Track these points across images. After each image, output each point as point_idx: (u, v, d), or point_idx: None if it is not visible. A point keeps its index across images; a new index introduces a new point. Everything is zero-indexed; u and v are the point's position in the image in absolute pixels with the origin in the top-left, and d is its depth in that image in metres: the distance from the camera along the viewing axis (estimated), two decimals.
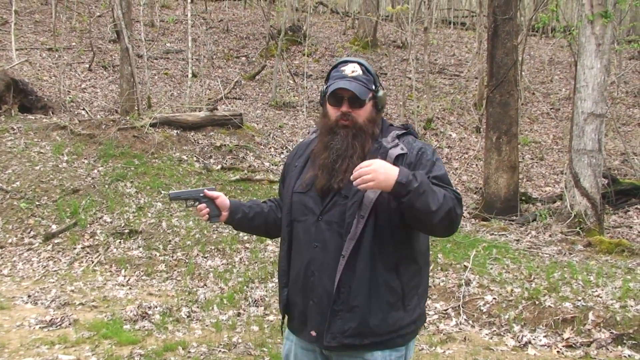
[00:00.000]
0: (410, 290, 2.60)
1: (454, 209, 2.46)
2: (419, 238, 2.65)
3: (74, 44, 18.11)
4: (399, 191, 2.36)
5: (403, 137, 2.67)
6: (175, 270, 8.13)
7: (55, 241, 8.82)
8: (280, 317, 2.92)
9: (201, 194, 2.86)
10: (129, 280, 7.90)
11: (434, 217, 2.41)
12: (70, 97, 14.21)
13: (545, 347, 5.67)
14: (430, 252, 7.79)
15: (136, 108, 13.20)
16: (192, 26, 16.42)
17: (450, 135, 14.72)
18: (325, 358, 2.70)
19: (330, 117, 2.68)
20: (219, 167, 11.42)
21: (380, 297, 2.54)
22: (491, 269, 7.16)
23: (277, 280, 2.80)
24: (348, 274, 2.52)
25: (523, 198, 10.76)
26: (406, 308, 2.59)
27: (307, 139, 2.90)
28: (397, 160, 2.55)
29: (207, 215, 2.85)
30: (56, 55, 16.68)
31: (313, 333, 2.62)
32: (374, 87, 2.68)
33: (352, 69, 2.67)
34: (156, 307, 6.74)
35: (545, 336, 5.81)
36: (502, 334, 6.00)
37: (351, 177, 2.40)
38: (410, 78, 15.74)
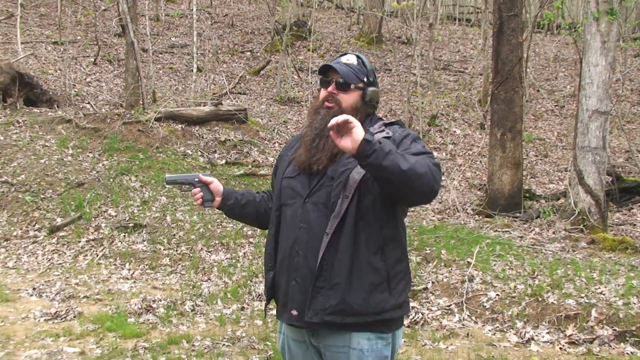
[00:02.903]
0: (397, 274, 2.65)
1: (430, 172, 2.43)
2: (401, 222, 2.73)
3: (79, 37, 18.12)
4: (365, 148, 2.32)
5: (390, 126, 2.75)
6: (179, 264, 8.16)
7: (60, 234, 8.85)
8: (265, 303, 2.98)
9: (196, 179, 2.94)
10: (133, 273, 7.94)
11: (407, 177, 2.37)
12: (75, 91, 14.23)
13: (548, 343, 5.68)
14: (434, 248, 7.80)
15: (141, 102, 13.21)
16: (197, 21, 16.44)
17: (455, 131, 14.72)
18: (315, 349, 2.74)
19: (319, 99, 2.80)
20: (224, 161, 11.45)
21: (362, 277, 2.57)
22: (494, 265, 7.17)
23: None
24: (331, 251, 2.57)
25: (527, 195, 10.77)
26: (392, 291, 2.62)
27: (301, 131, 2.96)
28: None
29: (200, 200, 2.92)
30: (61, 49, 16.70)
31: (294, 312, 2.66)
32: (365, 79, 2.76)
33: (347, 58, 2.79)
34: (160, 301, 6.77)
35: (548, 333, 5.82)
36: (505, 330, 6.01)
37: (332, 122, 2.35)
38: (414, 74, 15.74)
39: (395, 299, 2.64)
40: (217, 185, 2.94)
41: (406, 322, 6.18)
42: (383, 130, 2.69)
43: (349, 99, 2.73)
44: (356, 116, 2.67)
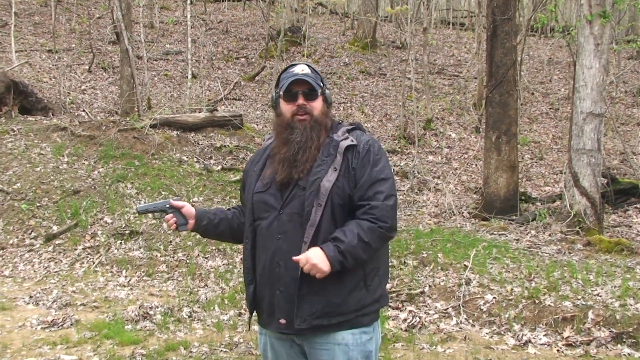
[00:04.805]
0: (371, 272, 2.76)
1: (382, 233, 2.68)
2: None
3: (73, 45, 18.12)
4: (338, 269, 2.60)
5: (352, 132, 2.86)
6: (176, 270, 8.16)
7: (56, 242, 8.84)
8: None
9: (167, 205, 2.97)
10: (130, 280, 7.93)
11: (371, 252, 2.69)
12: (70, 99, 14.22)
13: (546, 345, 5.69)
14: (431, 252, 7.78)
15: (136, 109, 13.22)
16: (191, 27, 16.45)
17: (450, 135, 14.74)
18: (299, 347, 2.81)
19: (286, 115, 2.85)
20: (219, 167, 11.44)
21: (342, 279, 2.68)
22: (491, 268, 7.18)
23: None
24: None
25: (523, 198, 10.77)
26: (368, 288, 2.75)
27: (264, 145, 3.05)
28: (348, 151, 2.75)
29: (174, 225, 2.96)
30: (56, 57, 16.70)
31: (282, 321, 2.74)
32: (321, 84, 2.88)
33: (301, 69, 2.87)
34: (157, 308, 6.76)
35: (545, 335, 5.83)
36: (502, 333, 6.02)
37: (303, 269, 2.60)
38: (409, 78, 15.76)
39: (372, 294, 2.76)
40: (189, 208, 2.98)
41: (404, 326, 6.19)
42: (347, 137, 2.80)
43: (317, 106, 2.84)
44: (326, 120, 2.86)
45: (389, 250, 2.93)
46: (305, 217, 2.68)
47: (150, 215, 3.08)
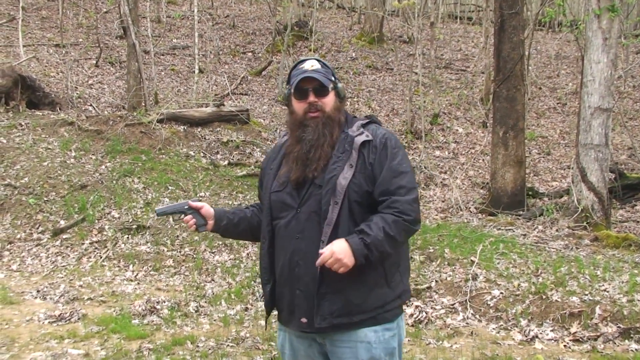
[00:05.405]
0: (391, 268, 2.73)
1: (407, 226, 2.66)
2: None
3: (80, 40, 18.13)
4: (363, 263, 2.57)
5: (367, 126, 2.82)
6: (183, 265, 8.17)
7: (64, 237, 8.86)
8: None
9: (186, 207, 2.93)
10: (137, 275, 7.95)
11: (398, 245, 2.68)
12: (77, 93, 14.24)
13: (552, 341, 5.68)
14: (437, 247, 7.76)
15: (143, 104, 13.23)
16: (198, 22, 16.44)
17: (457, 130, 14.70)
18: (319, 345, 2.79)
19: (298, 112, 2.82)
20: (226, 162, 11.45)
21: (362, 276, 2.65)
22: (498, 263, 7.16)
23: None
24: None
25: (530, 193, 10.75)
26: (390, 285, 2.73)
27: (279, 142, 3.02)
28: (363, 147, 2.71)
29: (194, 226, 2.93)
30: (63, 52, 16.72)
31: (304, 320, 2.72)
32: (332, 78, 2.84)
33: (311, 64, 2.83)
34: (164, 302, 6.78)
35: (552, 330, 5.81)
36: (509, 328, 6.01)
37: (317, 264, 2.58)
38: (416, 73, 15.71)
39: (394, 291, 2.74)
40: (207, 209, 2.94)
41: (410, 321, 6.19)
42: (362, 133, 2.76)
43: (329, 102, 2.80)
44: (339, 115, 2.82)
45: (409, 246, 2.91)
46: (322, 216, 2.65)
47: (169, 217, 3.06)
